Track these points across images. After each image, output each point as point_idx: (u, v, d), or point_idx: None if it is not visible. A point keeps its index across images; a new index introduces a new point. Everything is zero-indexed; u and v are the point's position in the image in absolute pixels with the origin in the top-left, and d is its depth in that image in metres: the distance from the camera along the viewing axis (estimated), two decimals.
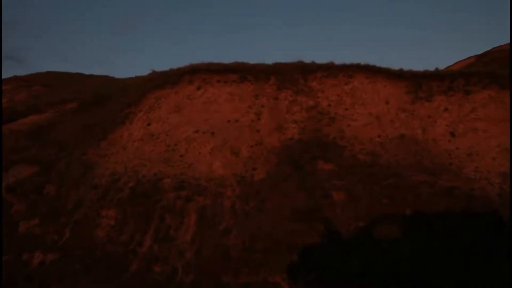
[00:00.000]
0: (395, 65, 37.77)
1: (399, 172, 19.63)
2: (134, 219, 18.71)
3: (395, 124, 22.53)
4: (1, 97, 27.65)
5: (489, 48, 39.87)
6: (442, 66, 43.49)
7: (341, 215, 17.92)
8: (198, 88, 24.78)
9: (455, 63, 40.63)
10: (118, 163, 21.65)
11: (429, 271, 15.49)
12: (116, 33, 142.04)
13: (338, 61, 25.81)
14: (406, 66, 32.55)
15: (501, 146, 21.10)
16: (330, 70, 25.25)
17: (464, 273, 15.49)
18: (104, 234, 18.30)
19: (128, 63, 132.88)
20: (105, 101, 27.22)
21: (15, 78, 38.79)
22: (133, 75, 35.10)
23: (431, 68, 26.18)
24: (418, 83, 24.39)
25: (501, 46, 38.89)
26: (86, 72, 42.23)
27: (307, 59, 26.26)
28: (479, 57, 38.80)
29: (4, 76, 40.10)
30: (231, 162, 21.02)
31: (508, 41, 40.46)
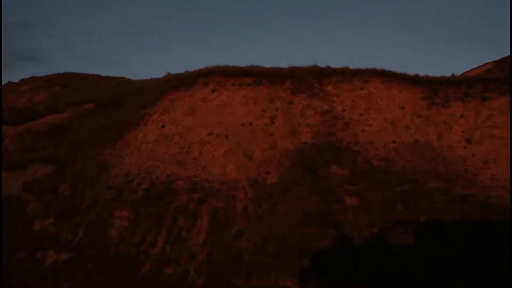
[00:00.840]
0: (411, 71, 37.46)
1: (414, 178, 19.42)
2: (147, 220, 18.88)
3: (410, 130, 22.31)
4: (1, 98, 28.16)
5: (506, 54, 39.20)
6: (458, 72, 42.92)
7: (353, 220, 17.81)
8: (213, 91, 24.90)
9: (472, 69, 40.03)
10: (132, 164, 21.88)
11: (441, 278, 15.29)
12: (132, 34, 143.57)
13: (353, 65, 25.66)
14: (422, 72, 32.18)
15: None
16: (345, 74, 25.13)
17: (477, 281, 15.25)
18: (117, 235, 18.50)
19: (144, 64, 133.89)
20: (120, 103, 27.53)
21: (34, 79, 39.39)
22: (148, 77, 35.45)
23: (448, 74, 25.78)
24: (434, 89, 24.11)
25: None
26: (103, 72, 42.90)
27: (322, 63, 26.16)
28: (496, 63, 38.16)
29: (23, 76, 40.84)
30: (244, 165, 21.06)
31: None
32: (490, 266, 15.65)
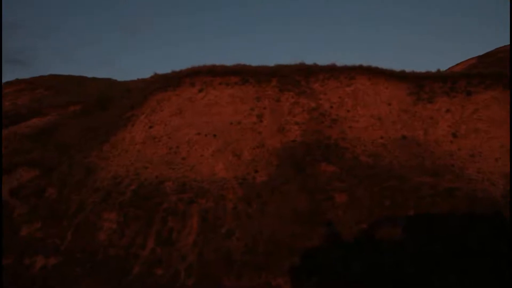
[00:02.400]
0: (397, 67, 37.74)
1: (401, 173, 19.56)
2: (136, 222, 18.73)
3: (397, 126, 22.47)
4: (1, 99, 27.65)
5: (490, 49, 39.73)
6: (444, 67, 43.36)
7: (343, 217, 17.88)
8: (200, 91, 24.79)
9: (457, 64, 40.50)
10: (120, 166, 21.69)
11: (431, 272, 15.42)
12: (119, 35, 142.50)
13: (339, 62, 25.76)
14: (408, 68, 32.37)
15: (504, 147, 20.98)
16: (332, 72, 25.20)
17: (467, 274, 15.42)
18: (105, 238, 18.32)
19: (131, 65, 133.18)
20: (107, 104, 27.27)
21: (18, 81, 38.84)
22: (135, 78, 35.20)
23: (433, 69, 26.01)
24: (420, 84, 24.31)
25: (502, 47, 38.72)
26: (89, 74, 42.42)
27: (309, 61, 26.21)
28: (480, 58, 38.66)
29: (8, 79, 40.15)
30: (233, 165, 21.01)
31: (507, 42, 40.35)
32: (480, 259, 15.83)
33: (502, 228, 17.23)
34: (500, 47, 38.78)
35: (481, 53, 39.88)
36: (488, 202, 18.28)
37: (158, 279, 16.52)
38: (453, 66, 40.39)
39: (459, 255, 15.91)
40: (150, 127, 23.68)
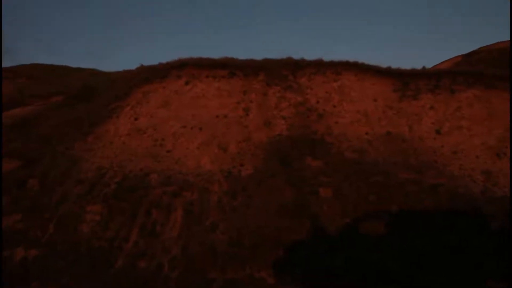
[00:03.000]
0: (384, 63, 38.02)
1: (386, 169, 19.78)
2: (120, 215, 18.54)
3: (382, 122, 22.67)
4: (1, 97, 26.86)
5: (475, 48, 40.35)
6: (429, 65, 43.86)
7: (328, 211, 18.00)
8: (187, 83, 24.60)
9: (442, 62, 41.04)
10: (104, 158, 21.42)
11: (414, 267, 15.64)
12: (104, 26, 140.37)
13: (327, 58, 25.86)
14: (394, 64, 32.70)
15: (485, 144, 21.42)
16: (319, 67, 25.28)
17: (449, 269, 15.69)
18: (89, 230, 18.10)
19: (116, 57, 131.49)
20: (92, 95, 26.86)
21: None
22: (121, 69, 34.70)
23: (418, 66, 26.34)
24: (406, 81, 24.57)
25: (487, 46, 39.36)
26: (73, 65, 41.63)
27: (296, 56, 26.25)
28: (465, 56, 39.25)
29: None
30: (219, 158, 20.95)
31: (493, 41, 40.98)
32: (461, 254, 16.13)
33: (482, 223, 17.60)
34: (485, 46, 39.40)
35: (466, 51, 40.51)
36: (468, 198, 18.66)
37: (141, 272, 16.40)
38: (438, 64, 40.91)
39: (441, 249, 16.19)
40: (136, 119, 23.43)
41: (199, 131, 22.21)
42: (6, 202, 19.46)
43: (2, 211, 18.86)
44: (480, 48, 39.66)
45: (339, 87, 24.28)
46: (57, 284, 16.00)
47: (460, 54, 40.60)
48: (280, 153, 20.60)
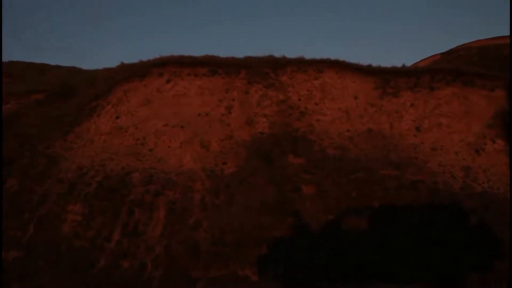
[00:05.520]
0: (364, 61, 38.40)
1: (367, 166, 20.04)
2: (101, 214, 18.39)
3: (364, 119, 22.93)
4: (1, 95, 26.10)
5: (453, 46, 41.07)
6: (408, 62, 44.48)
7: (310, 208, 18.17)
8: (168, 81, 24.44)
9: (421, 60, 41.65)
10: (85, 157, 21.16)
11: (395, 262, 15.93)
12: (85, 23, 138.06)
13: (308, 56, 25.97)
14: (375, 62, 33.00)
15: (464, 141, 21.87)
16: (300, 65, 25.37)
17: (429, 263, 16.02)
18: (70, 230, 17.90)
19: (96, 55, 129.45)
20: (72, 93, 26.39)
21: None
22: (101, 67, 34.21)
23: (399, 64, 26.65)
24: (386, 79, 24.85)
25: (465, 44, 40.09)
26: (52, 62, 40.83)
27: (278, 54, 26.30)
28: (444, 54, 39.91)
29: None
30: (201, 156, 20.91)
31: (467, 40, 41.75)
32: (441, 249, 16.50)
33: (462, 218, 18.01)
34: (463, 44, 40.13)
35: (444, 49, 41.19)
36: (448, 194, 19.05)
37: (124, 272, 16.32)
38: (417, 62, 41.51)
39: (421, 244, 16.52)
40: (117, 117, 23.18)
41: (181, 129, 22.12)
42: None
43: None
44: (458, 46, 40.38)
45: (321, 85, 24.44)
46: (37, 285, 15.80)
47: (439, 52, 41.28)
48: (262, 151, 20.68)
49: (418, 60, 42.58)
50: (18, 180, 20.04)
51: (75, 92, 26.32)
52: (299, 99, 23.75)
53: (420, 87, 24.33)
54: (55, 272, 16.10)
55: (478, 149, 21.51)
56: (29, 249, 17.25)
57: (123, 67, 27.17)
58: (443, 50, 41.07)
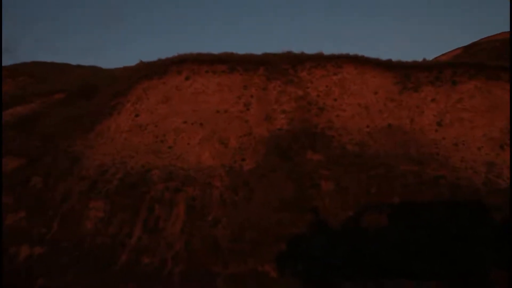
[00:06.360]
0: (384, 56, 37.89)
1: (387, 162, 19.77)
2: (122, 211, 18.65)
3: (383, 115, 22.64)
4: (1, 93, 26.84)
5: (475, 40, 40.18)
6: (429, 57, 43.67)
7: (329, 205, 18.04)
8: (187, 79, 24.61)
9: (443, 54, 40.89)
10: (106, 154, 21.51)
11: (415, 258, 15.70)
12: (104, 24, 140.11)
13: (327, 51, 25.79)
14: (395, 57, 32.57)
15: (486, 136, 21.34)
16: (319, 60, 25.21)
17: (450, 260, 15.73)
18: (92, 226, 18.23)
19: (116, 54, 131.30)
20: (92, 92, 26.90)
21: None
22: (121, 66, 34.68)
23: (419, 59, 26.23)
24: (406, 73, 24.47)
25: (487, 37, 39.16)
26: (74, 62, 41.61)
27: (296, 50, 26.18)
28: (466, 48, 39.08)
29: None
30: (220, 153, 21.00)
31: (494, 32, 40.75)
32: (462, 246, 16.16)
33: (484, 215, 17.60)
34: (485, 37, 39.22)
35: (466, 43, 40.34)
36: (470, 190, 18.62)
37: (145, 268, 16.53)
38: (439, 56, 40.76)
39: (442, 241, 16.22)
40: (136, 115, 23.48)
41: (200, 126, 22.25)
42: (10, 200, 19.61)
43: (5, 209, 18.99)
44: (481, 39, 39.48)
45: (340, 81, 24.23)
46: (62, 281, 16.15)
47: (461, 46, 40.46)
48: (281, 148, 20.63)
49: (439, 54, 41.82)
50: (42, 178, 20.51)
51: (95, 91, 26.81)
52: (318, 95, 23.60)
53: (441, 82, 23.88)
54: (79, 268, 16.43)
55: (502, 144, 20.95)
56: (53, 246, 17.65)
57: (142, 66, 27.54)
58: (465, 44, 40.24)
